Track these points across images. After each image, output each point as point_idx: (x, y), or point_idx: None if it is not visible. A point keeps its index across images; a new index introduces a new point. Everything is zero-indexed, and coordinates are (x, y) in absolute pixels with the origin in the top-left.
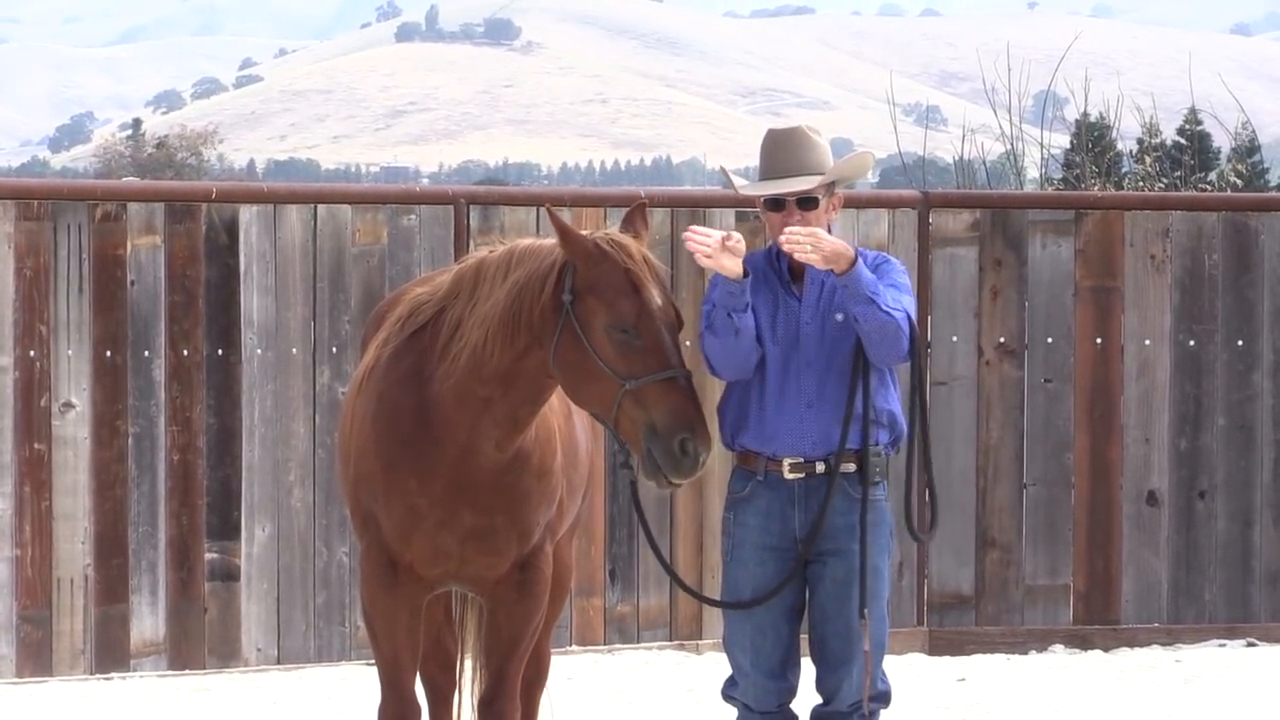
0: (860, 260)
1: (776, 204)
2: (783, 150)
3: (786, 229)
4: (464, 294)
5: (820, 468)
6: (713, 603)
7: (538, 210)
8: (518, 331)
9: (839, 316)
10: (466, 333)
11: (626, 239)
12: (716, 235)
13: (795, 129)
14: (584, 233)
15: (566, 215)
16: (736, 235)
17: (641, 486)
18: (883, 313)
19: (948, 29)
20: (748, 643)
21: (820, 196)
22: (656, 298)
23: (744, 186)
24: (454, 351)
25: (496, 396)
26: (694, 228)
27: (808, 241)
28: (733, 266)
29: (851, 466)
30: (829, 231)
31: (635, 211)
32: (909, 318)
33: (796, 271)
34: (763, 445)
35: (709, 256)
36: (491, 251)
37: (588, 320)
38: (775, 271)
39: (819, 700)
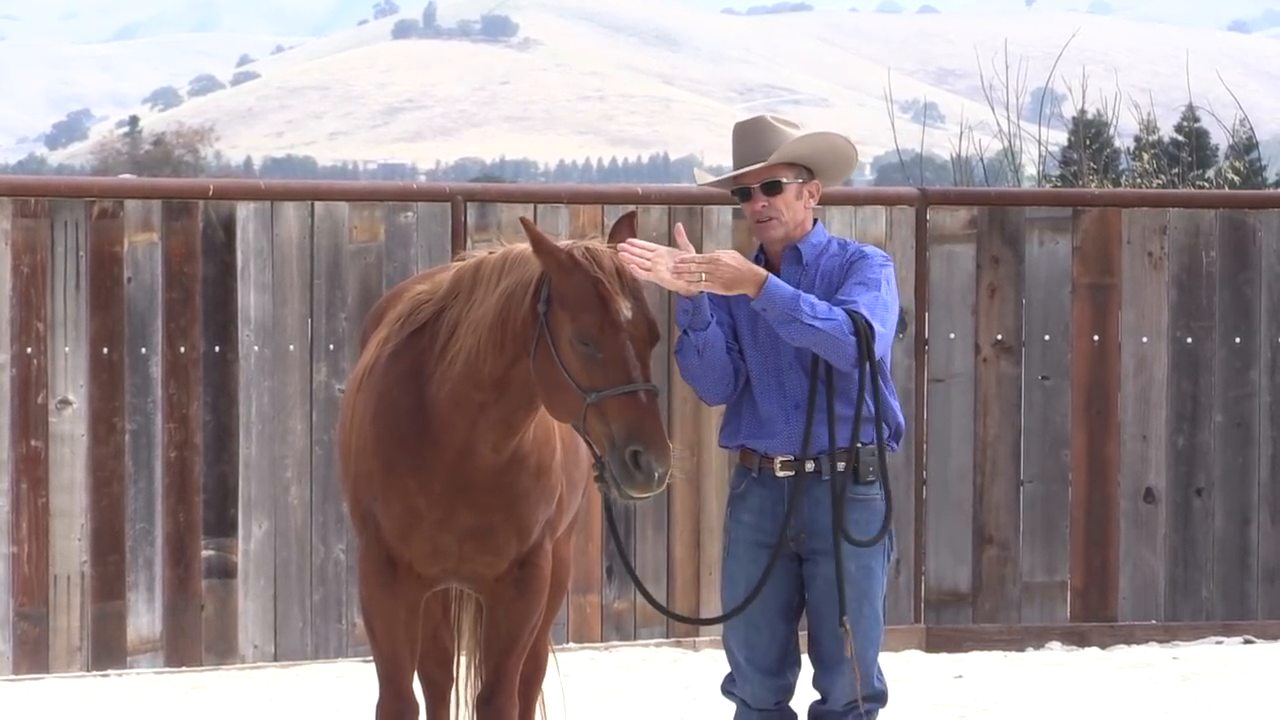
0: (769, 280)
1: (746, 193)
2: (745, 140)
3: (680, 258)
4: (462, 296)
5: (810, 466)
6: (685, 619)
7: (535, 208)
8: (505, 340)
9: None
10: (461, 337)
11: (602, 249)
12: (661, 251)
13: (758, 118)
14: (563, 242)
15: (564, 214)
16: (681, 254)
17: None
18: (808, 327)
19: (945, 26)
20: (742, 639)
21: (785, 180)
22: (624, 310)
23: (704, 183)
24: (450, 355)
25: (491, 401)
26: (632, 241)
27: (701, 269)
28: (678, 283)
29: (843, 465)
30: (812, 225)
31: (623, 221)
32: (850, 321)
33: (774, 273)
34: (757, 443)
35: (647, 270)
36: (491, 253)
37: (557, 331)
38: None
39: (816, 698)
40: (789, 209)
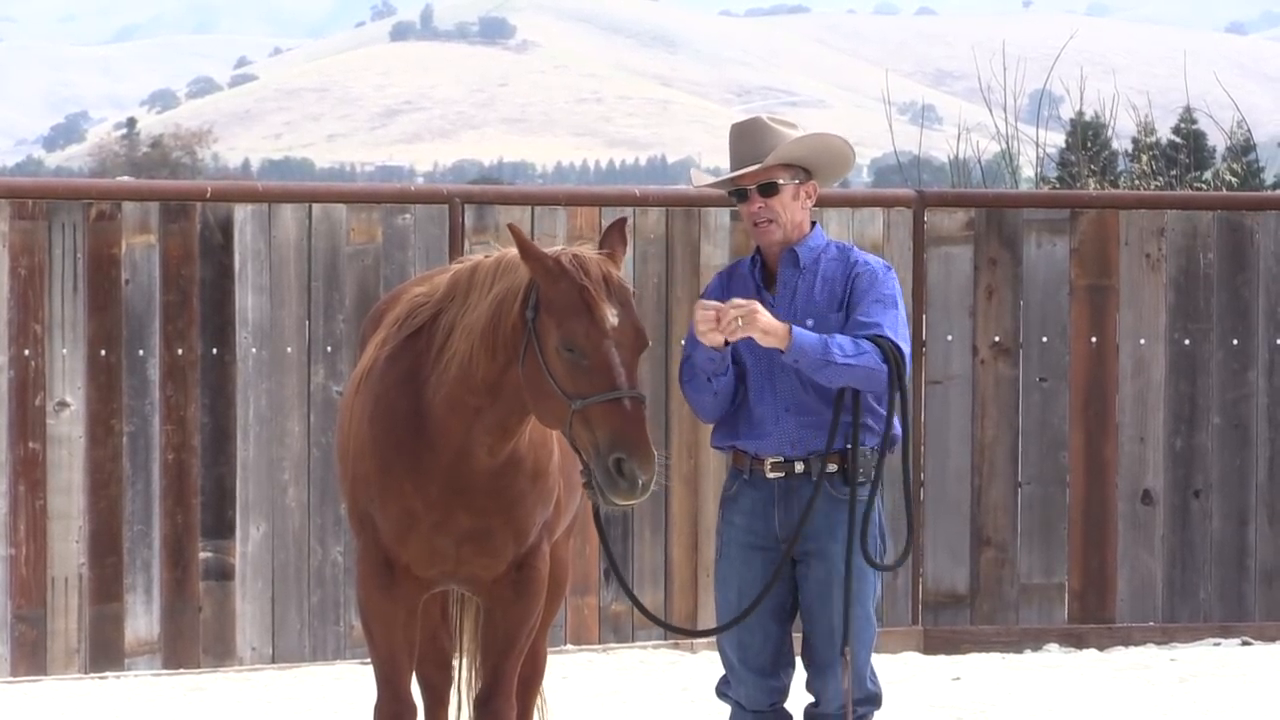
0: (793, 332)
1: (743, 195)
2: (742, 141)
3: (719, 308)
4: (458, 299)
5: (800, 467)
6: (681, 631)
7: (532, 210)
8: (496, 346)
9: (809, 322)
10: (455, 342)
11: (590, 256)
12: (725, 310)
13: (754, 119)
14: (551, 249)
15: (561, 216)
16: (735, 311)
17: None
18: (843, 367)
19: (943, 27)
20: (736, 641)
21: (781, 182)
22: (610, 318)
23: (700, 184)
24: (445, 359)
25: (486, 405)
26: (703, 303)
27: (738, 314)
28: (715, 336)
29: (833, 466)
30: (810, 227)
31: (613, 228)
32: (879, 350)
33: (770, 276)
34: (748, 445)
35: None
36: (487, 257)
37: (544, 338)
38: (751, 275)
39: (810, 700)
40: (786, 210)
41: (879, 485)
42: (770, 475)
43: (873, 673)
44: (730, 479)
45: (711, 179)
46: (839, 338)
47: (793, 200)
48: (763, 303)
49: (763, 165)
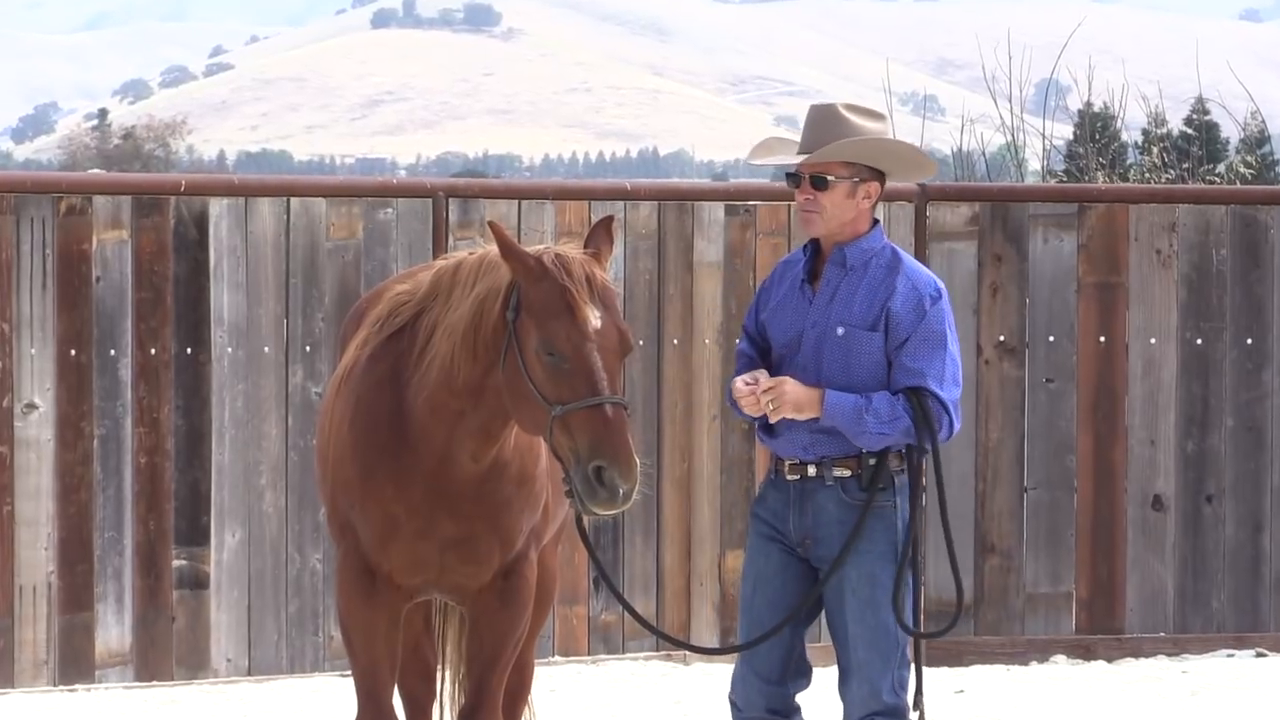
0: (826, 400)
1: (797, 181)
2: (811, 127)
3: (749, 385)
4: (440, 298)
5: (812, 471)
6: (679, 644)
7: (519, 204)
8: (478, 348)
9: (840, 330)
10: (437, 343)
11: (573, 255)
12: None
13: (830, 105)
14: (533, 248)
15: (549, 211)
16: (764, 396)
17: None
18: (878, 436)
19: (945, 14)
20: (744, 639)
21: (831, 178)
22: (592, 320)
23: (757, 161)
24: (427, 360)
25: (469, 409)
26: (739, 385)
27: (765, 397)
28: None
29: (846, 471)
30: (870, 226)
31: (599, 226)
32: (910, 409)
33: (816, 271)
34: (772, 444)
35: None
36: (471, 254)
37: (524, 341)
38: (802, 266)
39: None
40: (835, 207)
41: (915, 489)
42: (789, 477)
43: (897, 683)
44: (765, 476)
45: (770, 156)
46: (875, 401)
47: (845, 199)
48: (800, 302)
49: (816, 159)
